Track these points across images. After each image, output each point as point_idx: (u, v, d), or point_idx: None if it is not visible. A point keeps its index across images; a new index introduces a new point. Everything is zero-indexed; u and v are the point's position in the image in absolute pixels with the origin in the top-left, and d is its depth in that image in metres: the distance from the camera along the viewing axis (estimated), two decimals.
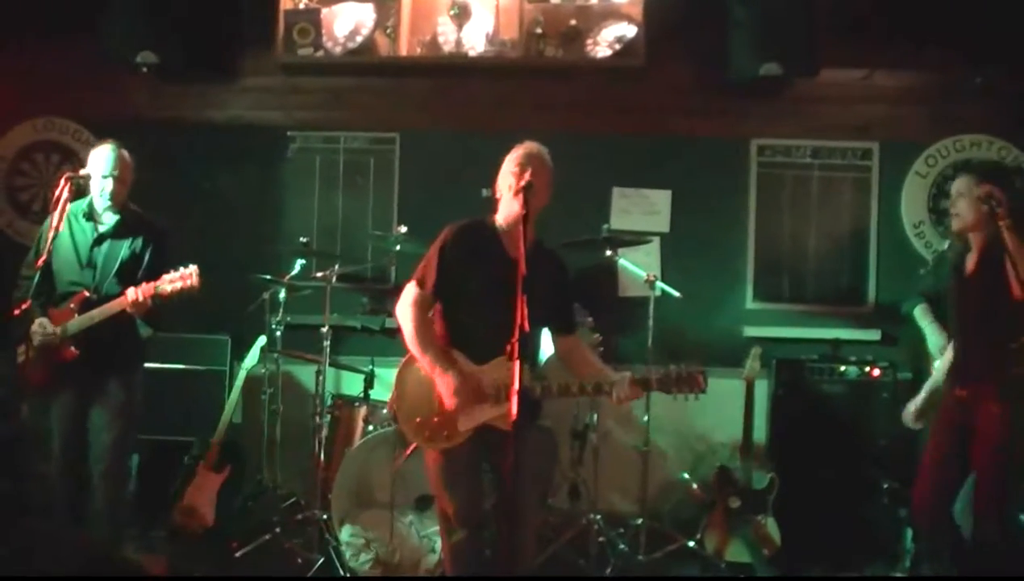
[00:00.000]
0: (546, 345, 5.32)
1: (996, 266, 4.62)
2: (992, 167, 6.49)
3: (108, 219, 5.31)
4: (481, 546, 4.28)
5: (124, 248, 5.26)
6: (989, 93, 6.93)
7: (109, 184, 5.23)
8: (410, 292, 4.39)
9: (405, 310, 4.37)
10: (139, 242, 5.27)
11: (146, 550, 6.07)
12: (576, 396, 4.33)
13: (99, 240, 5.28)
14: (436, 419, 4.24)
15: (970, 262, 4.84)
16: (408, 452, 4.84)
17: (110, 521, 5.28)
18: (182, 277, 4.96)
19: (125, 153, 5.33)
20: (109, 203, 5.27)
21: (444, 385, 4.20)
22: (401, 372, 4.44)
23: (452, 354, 4.30)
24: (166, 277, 4.98)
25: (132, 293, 4.98)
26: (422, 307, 4.36)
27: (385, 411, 5.89)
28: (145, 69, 6.76)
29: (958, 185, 4.85)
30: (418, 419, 4.29)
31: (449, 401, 4.18)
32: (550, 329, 4.56)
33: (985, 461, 4.70)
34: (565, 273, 4.56)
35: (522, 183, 4.16)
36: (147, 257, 5.27)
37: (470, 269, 4.29)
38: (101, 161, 5.26)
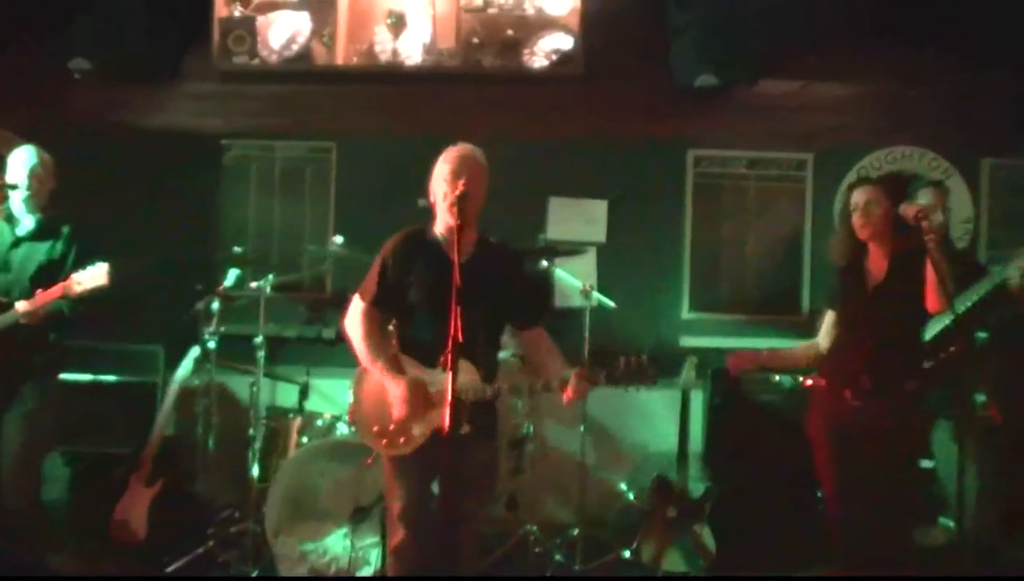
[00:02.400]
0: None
1: (907, 275, 4.69)
2: (893, 177, 6.57)
3: (27, 222, 5.24)
4: (423, 550, 4.21)
5: (42, 252, 5.18)
6: (921, 106, 7.04)
7: (25, 183, 5.17)
8: (356, 305, 4.37)
9: (352, 323, 4.36)
10: (59, 246, 5.19)
11: (79, 563, 5.97)
12: (528, 395, 4.31)
13: (16, 243, 5.21)
14: (393, 426, 4.20)
15: (876, 271, 4.88)
16: (371, 460, 4.80)
17: (26, 528, 5.21)
18: (92, 275, 4.90)
19: (45, 155, 5.28)
20: (29, 204, 5.20)
21: (395, 393, 4.17)
22: (356, 383, 4.41)
23: (403, 360, 4.27)
24: (74, 276, 4.93)
25: (22, 305, 4.93)
26: (369, 318, 4.34)
27: (344, 421, 5.89)
28: (78, 76, 6.68)
29: (869, 193, 4.86)
30: (376, 428, 4.25)
31: (399, 409, 4.15)
32: (510, 325, 4.51)
33: (891, 472, 4.73)
34: (517, 266, 4.54)
35: (456, 193, 4.13)
36: (69, 261, 5.16)
37: (413, 278, 4.27)
38: (19, 163, 5.19)
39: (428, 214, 4.44)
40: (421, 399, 4.17)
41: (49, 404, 5.28)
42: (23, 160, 5.21)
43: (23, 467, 5.20)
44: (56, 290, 4.93)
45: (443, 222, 4.29)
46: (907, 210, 4.59)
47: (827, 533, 5.05)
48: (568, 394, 4.11)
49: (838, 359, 4.98)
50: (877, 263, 4.85)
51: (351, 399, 4.45)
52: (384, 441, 4.25)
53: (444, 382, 3.76)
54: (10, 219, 5.25)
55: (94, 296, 5.03)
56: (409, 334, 4.34)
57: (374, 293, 4.32)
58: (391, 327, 4.46)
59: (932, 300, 4.58)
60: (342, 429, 5.86)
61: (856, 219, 4.84)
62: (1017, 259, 5.00)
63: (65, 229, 5.24)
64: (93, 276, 4.89)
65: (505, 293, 4.33)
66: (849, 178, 7.07)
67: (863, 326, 4.84)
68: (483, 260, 4.27)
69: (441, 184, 4.25)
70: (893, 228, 4.75)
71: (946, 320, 4.88)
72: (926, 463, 5.64)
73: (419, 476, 4.24)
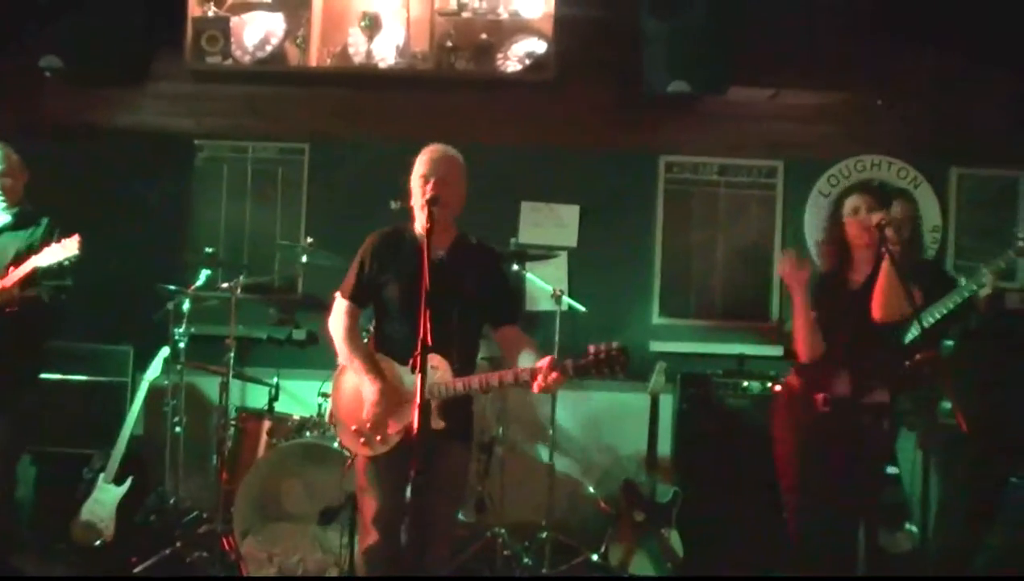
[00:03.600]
0: None
1: None
2: (880, 188, 6.58)
3: (3, 218, 5.24)
4: (393, 552, 4.18)
5: (21, 240, 5.16)
6: (890, 115, 7.11)
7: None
8: (338, 304, 4.40)
9: (334, 321, 4.38)
10: (39, 233, 5.17)
11: (44, 563, 5.95)
12: (499, 389, 4.27)
13: None
14: (369, 425, 4.20)
15: (859, 278, 4.89)
16: (349, 464, 4.77)
17: None
18: (64, 246, 4.85)
19: (12, 152, 5.26)
20: (2, 203, 5.19)
21: (368, 392, 4.16)
22: (336, 383, 4.42)
23: (380, 359, 4.28)
24: (45, 250, 4.89)
25: None
26: (349, 315, 4.36)
27: (299, 420, 5.91)
28: (49, 73, 6.64)
29: (868, 201, 4.88)
30: (353, 427, 4.25)
31: (369, 410, 4.14)
32: (487, 322, 4.49)
33: (870, 476, 4.78)
34: (495, 264, 4.53)
35: (426, 197, 4.14)
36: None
37: (391, 276, 4.29)
38: None
39: (400, 216, 4.45)
40: (395, 397, 4.16)
41: (32, 407, 5.26)
42: None
43: (3, 469, 5.18)
44: (29, 264, 4.88)
45: (419, 221, 4.30)
46: (869, 219, 4.62)
47: (788, 537, 5.08)
48: (539, 382, 3.98)
49: (817, 363, 4.99)
50: (861, 270, 4.88)
51: (331, 400, 4.44)
52: (362, 440, 4.25)
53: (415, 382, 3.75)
54: None
55: (71, 288, 5.09)
56: (385, 331, 4.36)
57: (352, 291, 4.35)
58: (370, 327, 4.46)
59: (877, 308, 4.62)
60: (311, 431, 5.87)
61: (855, 225, 4.84)
62: (983, 273, 5.03)
63: (44, 219, 5.25)
64: (65, 247, 4.85)
65: (481, 290, 4.33)
66: (819, 186, 7.14)
67: (844, 332, 4.87)
68: (459, 257, 4.29)
69: (415, 184, 4.27)
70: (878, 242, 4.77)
71: (915, 331, 4.91)
72: (891, 469, 5.68)
73: (394, 479, 4.21)
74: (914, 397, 5.24)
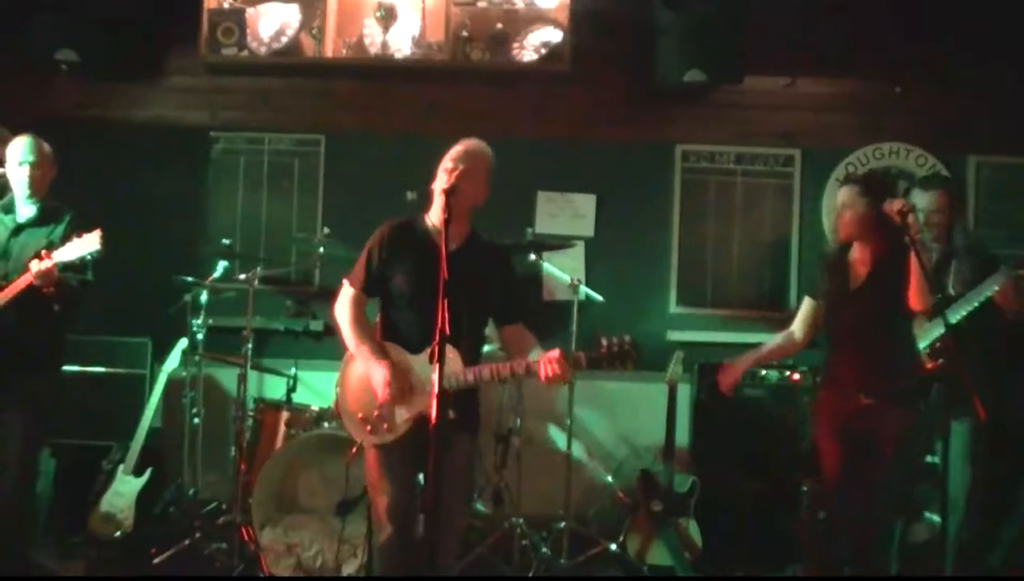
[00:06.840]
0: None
1: (888, 276, 4.68)
2: (873, 177, 6.49)
3: (28, 210, 5.22)
4: (408, 545, 4.23)
5: (42, 236, 5.13)
6: (908, 103, 7.07)
7: (26, 171, 5.14)
8: (345, 291, 4.42)
9: (340, 307, 4.40)
10: (59, 230, 5.13)
11: (63, 556, 5.98)
12: (508, 380, 4.29)
13: (17, 230, 5.18)
14: (377, 413, 4.21)
15: (859, 271, 4.86)
16: (354, 451, 4.78)
17: (18, 521, 5.19)
18: (85, 241, 4.83)
19: (44, 143, 5.25)
20: (28, 192, 5.16)
21: (377, 375, 4.17)
22: (343, 371, 4.42)
23: (387, 346, 4.29)
24: (68, 244, 4.86)
25: (35, 265, 4.81)
26: (357, 303, 4.38)
27: (317, 411, 5.91)
28: (66, 67, 6.66)
29: (844, 195, 4.87)
30: (360, 415, 4.26)
31: (383, 392, 4.15)
32: (493, 319, 4.52)
33: (889, 467, 4.75)
34: (504, 263, 4.54)
35: (444, 186, 4.15)
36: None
37: (402, 266, 4.30)
38: (17, 151, 5.17)
39: (416, 208, 4.46)
40: (405, 382, 4.17)
41: (53, 398, 5.26)
42: (20, 147, 5.18)
43: (23, 462, 5.18)
44: (50, 260, 4.81)
45: (435, 212, 4.31)
46: (891, 207, 4.56)
47: (814, 532, 5.09)
48: (547, 371, 4.05)
49: (831, 364, 4.99)
50: (862, 263, 4.85)
51: (337, 388, 4.45)
52: (368, 428, 4.25)
53: (429, 371, 3.76)
54: (10, 209, 5.24)
55: (92, 283, 5.11)
56: (394, 321, 4.37)
57: (362, 279, 4.36)
58: (376, 319, 4.47)
59: (915, 298, 4.58)
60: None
61: (834, 220, 4.85)
62: (999, 276, 4.99)
63: (67, 215, 5.21)
64: (86, 241, 4.83)
65: (490, 287, 4.35)
66: (836, 174, 7.11)
67: (847, 326, 4.86)
68: (472, 253, 4.31)
69: (442, 169, 4.28)
70: (876, 228, 4.75)
71: (941, 328, 4.86)
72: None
73: (405, 470, 4.25)
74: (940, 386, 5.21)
